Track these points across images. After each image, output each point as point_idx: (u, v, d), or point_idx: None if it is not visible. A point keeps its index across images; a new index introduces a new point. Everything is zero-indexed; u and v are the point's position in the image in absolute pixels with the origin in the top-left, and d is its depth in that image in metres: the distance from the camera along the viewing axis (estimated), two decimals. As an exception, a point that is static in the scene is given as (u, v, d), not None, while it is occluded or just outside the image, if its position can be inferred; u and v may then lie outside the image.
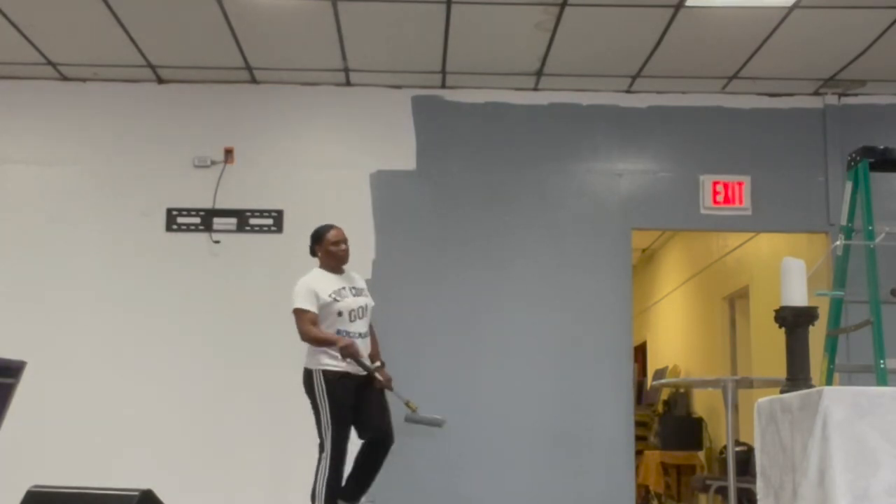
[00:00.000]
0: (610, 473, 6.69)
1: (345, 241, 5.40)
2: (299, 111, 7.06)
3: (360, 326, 5.26)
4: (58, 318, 6.74)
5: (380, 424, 5.21)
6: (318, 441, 5.14)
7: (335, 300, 5.18)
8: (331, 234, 5.36)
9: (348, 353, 5.07)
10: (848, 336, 5.07)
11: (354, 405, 5.19)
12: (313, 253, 5.44)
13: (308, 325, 5.13)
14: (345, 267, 5.43)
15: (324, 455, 5.09)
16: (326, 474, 5.05)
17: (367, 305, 5.35)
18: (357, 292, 5.34)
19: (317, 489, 5.07)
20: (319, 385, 5.12)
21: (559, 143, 7.06)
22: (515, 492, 6.64)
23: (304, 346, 5.25)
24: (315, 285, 5.21)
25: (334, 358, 5.13)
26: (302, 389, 5.23)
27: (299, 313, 5.17)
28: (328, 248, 5.34)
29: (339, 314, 5.18)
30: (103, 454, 6.49)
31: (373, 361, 5.28)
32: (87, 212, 6.90)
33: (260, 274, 6.85)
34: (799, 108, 7.09)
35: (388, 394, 5.29)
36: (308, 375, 5.20)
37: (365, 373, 5.17)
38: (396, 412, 5.32)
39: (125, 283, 6.82)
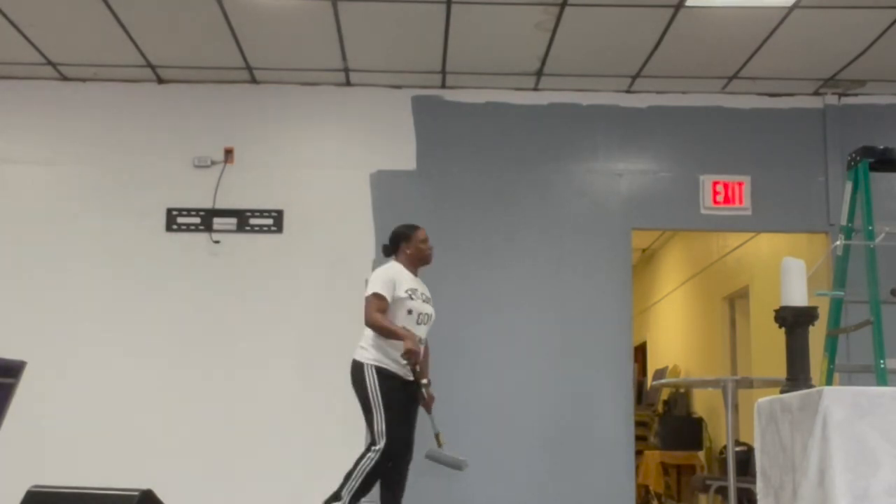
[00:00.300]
0: (610, 473, 6.69)
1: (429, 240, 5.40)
2: (299, 111, 7.06)
3: (424, 332, 5.20)
4: (57, 319, 6.74)
5: (411, 440, 5.16)
6: (370, 438, 5.01)
7: (410, 297, 5.12)
8: (421, 233, 5.35)
9: (411, 356, 4.92)
10: (848, 336, 5.08)
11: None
12: (392, 252, 5.37)
13: (378, 313, 5.00)
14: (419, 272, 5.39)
15: (376, 450, 4.93)
16: (370, 467, 4.91)
17: (432, 314, 5.29)
18: (426, 300, 5.28)
19: (354, 476, 4.90)
20: (371, 380, 5.01)
21: (559, 143, 7.06)
22: (515, 492, 6.64)
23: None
24: (396, 277, 5.14)
25: (390, 357, 5.03)
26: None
27: (375, 298, 5.02)
28: (418, 246, 5.30)
29: (409, 312, 5.11)
30: (103, 454, 6.49)
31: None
32: (87, 212, 6.90)
33: (260, 274, 6.85)
34: (799, 108, 7.09)
35: (422, 414, 5.19)
36: (359, 369, 5.06)
37: (411, 378, 5.07)
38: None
39: (125, 284, 6.82)
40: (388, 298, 5.06)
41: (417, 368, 5.01)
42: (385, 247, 5.43)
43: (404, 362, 4.98)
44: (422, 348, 5.13)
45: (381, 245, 6.69)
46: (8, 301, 6.74)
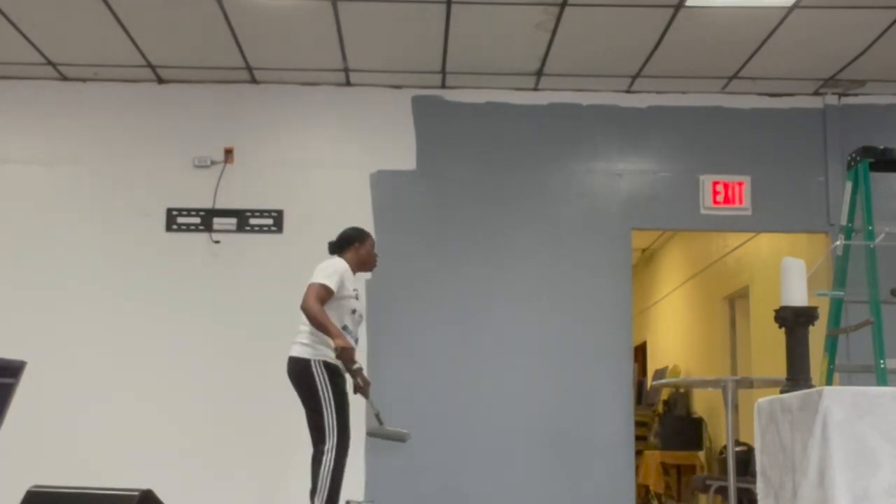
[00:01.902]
0: (610, 473, 6.69)
1: None
2: (299, 111, 7.06)
3: (362, 329, 5.30)
4: (58, 319, 6.73)
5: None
6: (317, 437, 4.98)
7: (355, 297, 5.18)
8: (372, 240, 5.42)
9: (345, 356, 4.95)
10: (848, 336, 5.08)
11: None
12: (339, 251, 5.32)
13: (318, 303, 4.94)
14: None
15: (328, 448, 4.91)
16: (332, 467, 4.89)
17: (363, 313, 5.42)
18: (359, 298, 5.32)
19: (320, 485, 4.89)
20: (321, 376, 4.98)
21: (559, 143, 7.06)
22: (515, 492, 6.63)
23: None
24: (346, 274, 5.14)
25: (330, 348, 4.98)
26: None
27: (320, 288, 4.96)
28: (370, 252, 5.38)
29: (353, 312, 5.14)
30: (103, 454, 6.49)
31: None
32: (87, 212, 6.90)
33: (260, 274, 6.85)
34: (799, 108, 7.09)
35: (356, 398, 5.19)
36: (304, 366, 5.02)
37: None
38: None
39: (125, 284, 6.82)
40: (334, 292, 5.01)
41: (354, 366, 5.01)
42: (332, 244, 5.37)
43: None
44: (356, 347, 5.10)
45: (380, 245, 6.77)
46: (8, 301, 6.74)
